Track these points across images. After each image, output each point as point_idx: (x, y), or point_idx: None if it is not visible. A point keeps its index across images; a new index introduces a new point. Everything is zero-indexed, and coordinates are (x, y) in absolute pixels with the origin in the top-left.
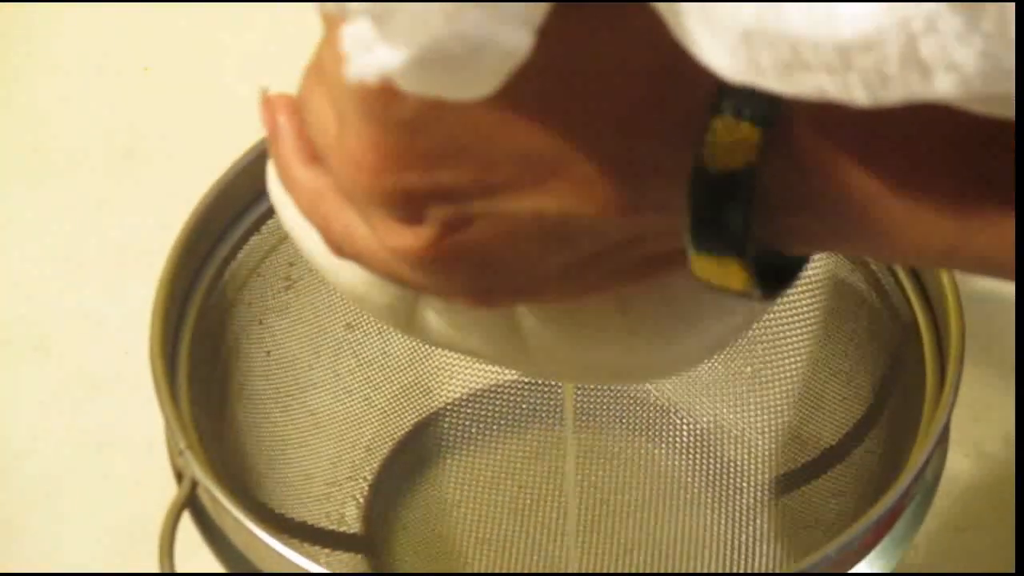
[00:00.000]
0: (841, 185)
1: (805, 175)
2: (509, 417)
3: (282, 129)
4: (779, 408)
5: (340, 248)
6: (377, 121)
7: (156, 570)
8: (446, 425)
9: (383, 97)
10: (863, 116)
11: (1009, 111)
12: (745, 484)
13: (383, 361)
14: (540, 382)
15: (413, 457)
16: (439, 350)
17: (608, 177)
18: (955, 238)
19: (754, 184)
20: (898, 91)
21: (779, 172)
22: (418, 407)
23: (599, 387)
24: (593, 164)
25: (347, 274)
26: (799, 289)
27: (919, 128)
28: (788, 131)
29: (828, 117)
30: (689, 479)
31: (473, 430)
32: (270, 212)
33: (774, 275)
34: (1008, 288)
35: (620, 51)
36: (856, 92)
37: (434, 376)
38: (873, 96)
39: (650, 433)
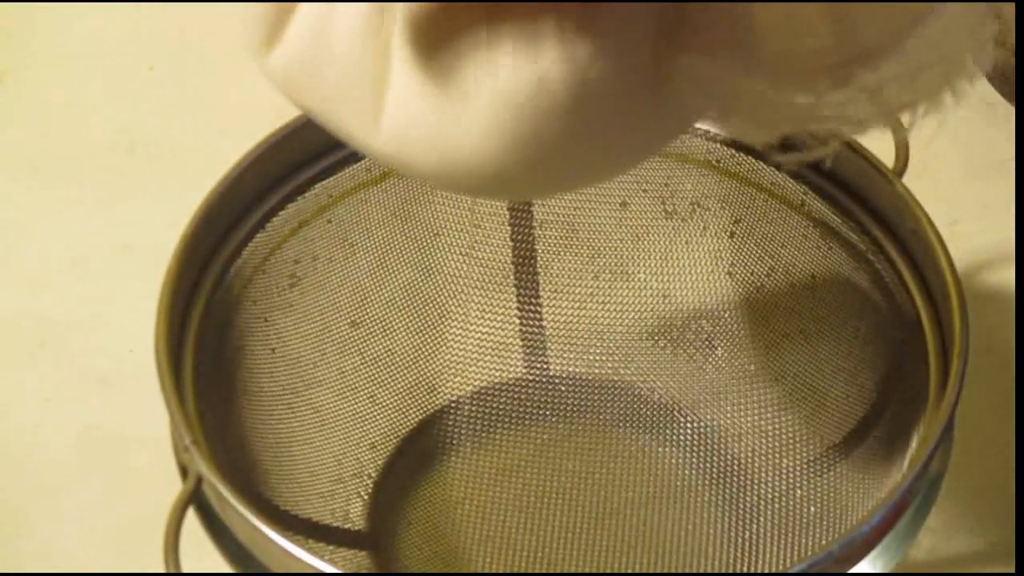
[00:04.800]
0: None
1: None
2: (513, 415)
3: None
4: (782, 406)
5: None
6: None
7: (160, 566)
8: (451, 423)
9: None
10: None
11: None
12: (748, 482)
13: (388, 359)
14: (544, 381)
15: (418, 454)
16: (444, 349)
17: None
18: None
19: None
20: None
21: None
22: (423, 405)
23: (603, 385)
24: None
25: None
26: (801, 288)
27: None
28: None
29: None
30: (692, 477)
31: (478, 428)
32: (275, 210)
33: None
34: (1013, 285)
35: None
36: None
37: (439, 374)
38: None
39: (653, 431)
